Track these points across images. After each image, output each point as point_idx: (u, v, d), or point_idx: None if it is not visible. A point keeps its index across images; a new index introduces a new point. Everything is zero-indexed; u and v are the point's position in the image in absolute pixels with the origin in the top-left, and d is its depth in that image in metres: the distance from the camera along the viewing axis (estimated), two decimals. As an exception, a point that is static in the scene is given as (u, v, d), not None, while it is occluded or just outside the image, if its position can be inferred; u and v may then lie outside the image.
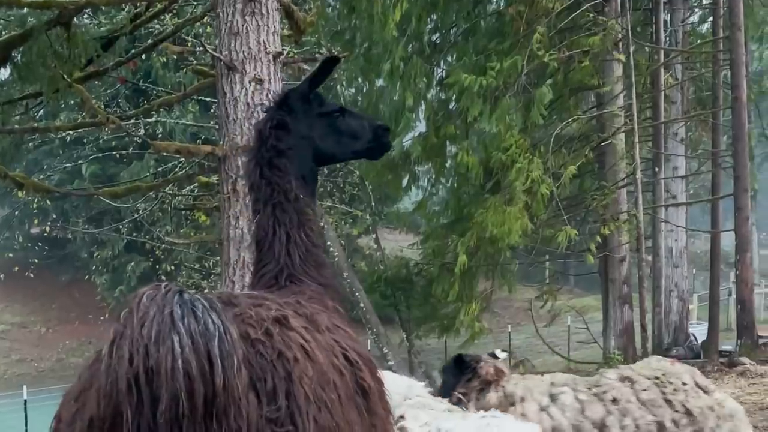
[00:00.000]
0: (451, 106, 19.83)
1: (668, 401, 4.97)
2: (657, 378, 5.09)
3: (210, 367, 2.00)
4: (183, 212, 22.36)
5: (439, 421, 4.63)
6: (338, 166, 23.47)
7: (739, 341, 16.92)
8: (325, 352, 2.54)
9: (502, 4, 20.10)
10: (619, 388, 5.10)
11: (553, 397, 5.15)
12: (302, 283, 3.26)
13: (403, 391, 4.66)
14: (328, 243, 19.03)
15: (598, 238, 17.90)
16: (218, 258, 15.76)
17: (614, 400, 5.01)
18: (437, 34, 21.08)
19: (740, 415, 5.05)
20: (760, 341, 17.48)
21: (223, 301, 2.33)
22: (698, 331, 19.96)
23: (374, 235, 29.69)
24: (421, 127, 20.67)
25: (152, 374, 1.97)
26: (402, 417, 4.65)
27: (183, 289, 2.11)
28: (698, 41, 20.87)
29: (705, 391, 5.09)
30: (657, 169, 18.57)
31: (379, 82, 20.74)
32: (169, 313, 2.02)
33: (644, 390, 5.03)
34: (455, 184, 21.06)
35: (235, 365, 2.05)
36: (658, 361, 5.58)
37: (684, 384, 5.07)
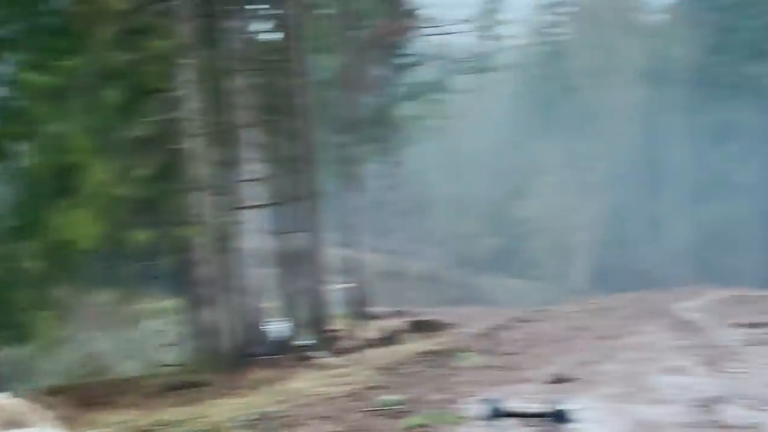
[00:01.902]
0: (15, 105, 18.71)
1: None
2: None
3: None
4: None
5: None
6: None
7: (314, 336, 17.92)
8: None
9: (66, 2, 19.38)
10: None
11: None
12: None
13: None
14: None
15: (176, 241, 17.98)
16: None
17: None
18: (-1, 30, 19.79)
19: None
20: (333, 335, 18.75)
21: None
22: (276, 328, 20.78)
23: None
24: (-17, 127, 19.30)
25: None
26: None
27: None
28: (267, 50, 21.72)
29: None
30: (231, 173, 19.02)
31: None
32: None
33: None
34: (23, 187, 19.94)
35: None
36: None
37: None
